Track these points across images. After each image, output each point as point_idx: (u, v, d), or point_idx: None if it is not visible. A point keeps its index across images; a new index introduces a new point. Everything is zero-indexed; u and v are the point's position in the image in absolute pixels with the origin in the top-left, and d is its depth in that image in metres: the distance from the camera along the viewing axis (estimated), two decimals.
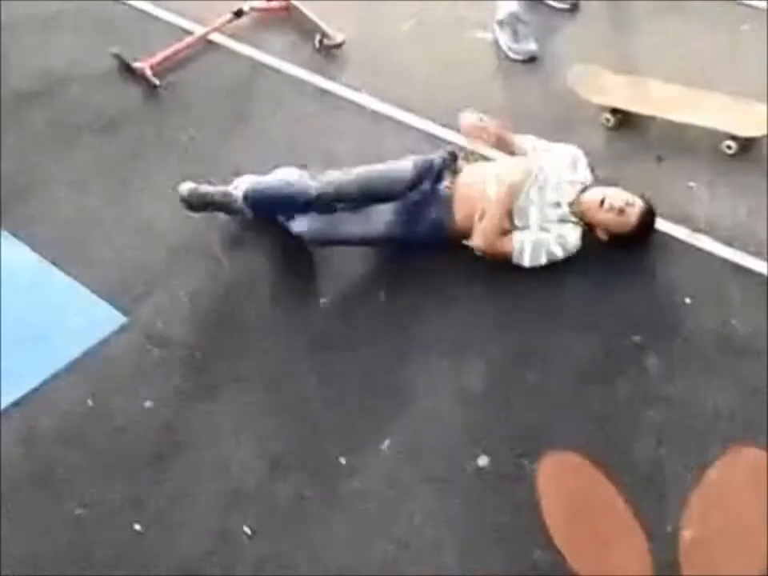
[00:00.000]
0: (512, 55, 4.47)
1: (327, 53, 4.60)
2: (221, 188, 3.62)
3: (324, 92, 4.38)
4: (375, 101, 4.27)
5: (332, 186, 3.48)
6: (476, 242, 3.42)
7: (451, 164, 3.59)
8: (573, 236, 3.42)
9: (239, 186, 3.60)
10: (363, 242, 3.53)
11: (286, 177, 3.64)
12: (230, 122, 4.26)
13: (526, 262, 3.41)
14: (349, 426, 3.03)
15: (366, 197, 3.49)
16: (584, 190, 3.49)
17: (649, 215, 3.45)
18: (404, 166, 3.53)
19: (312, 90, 4.40)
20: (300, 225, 3.55)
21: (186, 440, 3.03)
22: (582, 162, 3.60)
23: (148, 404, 3.14)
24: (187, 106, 4.37)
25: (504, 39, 4.49)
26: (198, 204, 3.60)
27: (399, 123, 4.15)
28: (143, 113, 4.37)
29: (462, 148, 3.82)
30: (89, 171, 4.07)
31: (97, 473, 2.97)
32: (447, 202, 3.48)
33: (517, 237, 3.41)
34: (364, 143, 4.06)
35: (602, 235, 3.46)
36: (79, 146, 4.19)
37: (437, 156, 3.58)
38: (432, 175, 3.53)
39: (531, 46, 4.45)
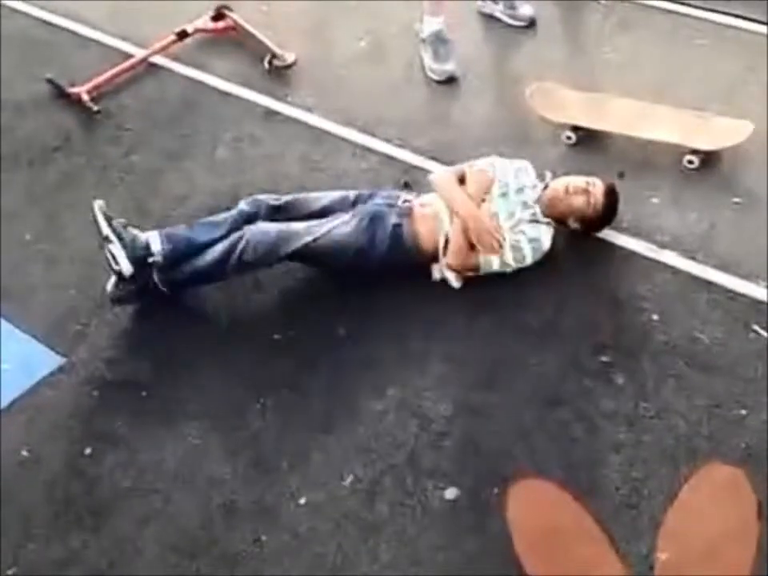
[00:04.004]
0: (431, 75, 4.49)
1: (277, 74, 4.58)
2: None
3: (274, 113, 4.36)
4: (327, 121, 4.27)
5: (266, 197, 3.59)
6: (450, 260, 3.42)
7: (406, 191, 3.66)
8: (546, 238, 3.47)
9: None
10: (316, 252, 3.41)
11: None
12: (173, 147, 4.22)
13: (495, 263, 3.43)
14: (308, 465, 2.98)
15: (300, 207, 3.56)
16: (545, 187, 3.56)
17: (612, 191, 3.55)
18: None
19: (261, 111, 4.38)
20: (248, 236, 3.41)
21: (131, 486, 2.95)
22: (531, 171, 3.64)
23: (88, 451, 3.05)
24: (127, 132, 4.32)
25: (426, 59, 4.51)
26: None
27: (353, 144, 4.14)
28: (79, 141, 4.31)
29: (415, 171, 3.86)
30: (19, 204, 3.98)
31: (32, 527, 2.88)
32: (407, 213, 3.49)
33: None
34: (315, 164, 4.05)
35: (573, 224, 3.55)
36: (11, 177, 4.11)
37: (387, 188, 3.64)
38: (382, 195, 3.59)
39: (448, 67, 4.46)
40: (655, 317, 3.31)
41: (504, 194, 3.50)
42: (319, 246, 3.40)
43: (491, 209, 3.48)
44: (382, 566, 2.72)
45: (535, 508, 2.83)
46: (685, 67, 4.36)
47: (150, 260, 3.39)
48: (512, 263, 3.43)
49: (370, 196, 3.58)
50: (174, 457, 3.03)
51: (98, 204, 3.41)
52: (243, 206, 3.56)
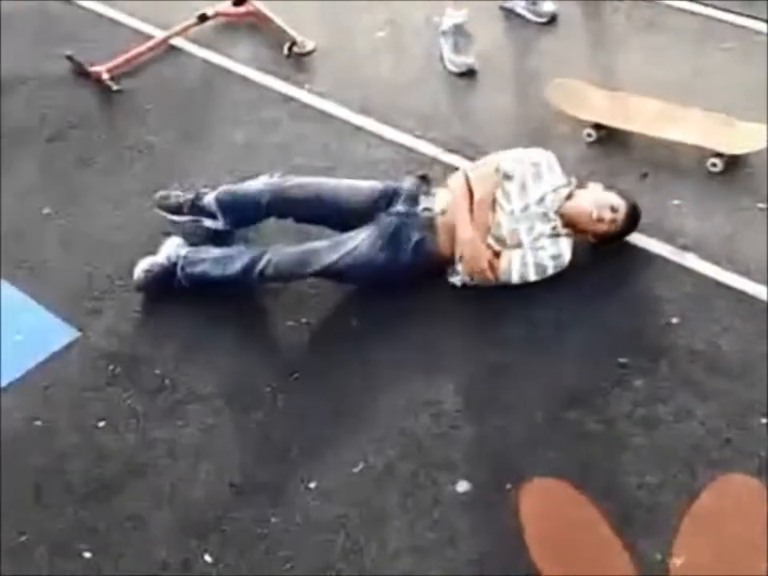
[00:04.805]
0: (450, 67, 4.47)
1: (296, 60, 4.56)
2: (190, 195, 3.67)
3: (291, 100, 4.34)
4: (345, 110, 4.25)
5: (290, 185, 3.53)
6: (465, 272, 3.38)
7: (424, 188, 3.55)
8: (567, 252, 3.42)
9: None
10: (339, 270, 3.38)
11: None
12: (191, 130, 4.22)
13: (515, 277, 3.39)
14: (319, 450, 2.97)
15: (324, 204, 3.49)
16: (569, 196, 3.48)
17: (634, 213, 3.50)
18: (369, 183, 3.55)
19: (278, 97, 4.37)
20: (270, 255, 3.40)
21: (142, 463, 2.96)
22: (556, 165, 3.53)
23: (101, 424, 3.07)
24: (145, 113, 4.33)
25: (445, 50, 4.50)
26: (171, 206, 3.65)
27: (369, 133, 4.12)
28: (98, 118, 4.33)
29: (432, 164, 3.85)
30: (39, 179, 4.01)
31: (44, 498, 2.89)
32: (428, 224, 3.43)
33: (506, 254, 3.39)
34: (332, 152, 4.04)
35: (590, 238, 3.51)
36: (29, 152, 4.13)
37: (406, 183, 3.55)
38: (402, 198, 3.48)
39: (469, 59, 4.45)
40: (675, 320, 3.27)
41: (525, 207, 3.41)
42: (341, 266, 3.37)
43: (511, 225, 3.40)
44: (388, 555, 2.71)
45: (548, 506, 2.83)
46: (711, 70, 4.32)
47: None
48: (533, 278, 3.39)
49: (393, 197, 3.48)
50: (185, 436, 3.04)
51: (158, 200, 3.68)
52: (265, 188, 3.55)
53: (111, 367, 3.23)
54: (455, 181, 3.50)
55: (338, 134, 4.14)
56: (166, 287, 3.43)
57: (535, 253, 3.39)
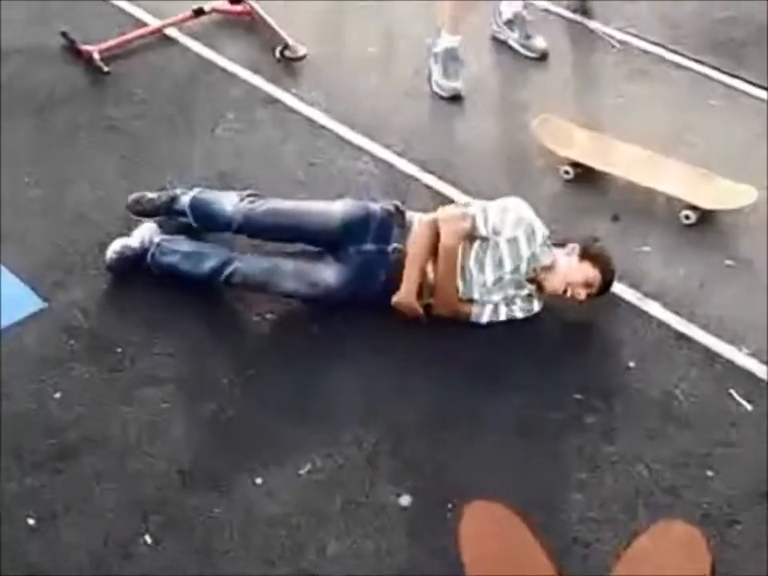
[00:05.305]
0: (437, 90, 4.54)
1: (287, 64, 4.63)
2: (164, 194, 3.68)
3: (276, 102, 4.41)
4: (329, 119, 4.31)
5: (262, 211, 3.51)
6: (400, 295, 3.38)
7: (397, 219, 3.49)
8: (538, 306, 3.49)
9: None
10: (301, 298, 3.44)
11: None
12: (175, 120, 4.27)
13: (484, 321, 3.46)
14: (268, 448, 3.01)
15: (295, 230, 3.51)
16: (546, 267, 3.45)
17: (609, 281, 3.49)
18: (341, 207, 3.53)
19: (264, 98, 4.43)
20: (239, 263, 3.43)
21: (94, 439, 2.99)
22: (536, 225, 3.43)
23: (57, 395, 3.10)
24: (132, 98, 4.37)
25: (435, 73, 4.56)
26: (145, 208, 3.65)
27: (351, 144, 4.19)
28: (85, 98, 4.37)
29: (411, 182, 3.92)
30: (23, 148, 4.04)
31: None
32: (398, 265, 3.40)
33: (477, 305, 3.45)
34: (311, 159, 4.10)
35: None
36: (13, 123, 4.16)
37: (378, 206, 3.51)
38: (373, 230, 3.44)
39: (457, 85, 4.52)
40: (632, 364, 3.33)
41: (498, 279, 3.42)
42: (302, 295, 3.42)
43: (483, 296, 3.43)
44: (327, 558, 2.74)
45: (488, 529, 2.82)
46: (694, 124, 4.40)
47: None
48: (503, 319, 3.48)
49: (365, 223, 3.44)
50: (139, 417, 3.07)
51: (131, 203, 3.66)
52: (237, 213, 3.52)
53: (72, 341, 3.26)
54: (421, 228, 3.45)
55: (320, 141, 4.20)
56: (136, 270, 3.47)
57: (509, 308, 3.46)
